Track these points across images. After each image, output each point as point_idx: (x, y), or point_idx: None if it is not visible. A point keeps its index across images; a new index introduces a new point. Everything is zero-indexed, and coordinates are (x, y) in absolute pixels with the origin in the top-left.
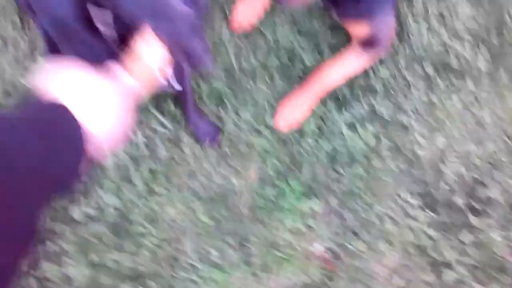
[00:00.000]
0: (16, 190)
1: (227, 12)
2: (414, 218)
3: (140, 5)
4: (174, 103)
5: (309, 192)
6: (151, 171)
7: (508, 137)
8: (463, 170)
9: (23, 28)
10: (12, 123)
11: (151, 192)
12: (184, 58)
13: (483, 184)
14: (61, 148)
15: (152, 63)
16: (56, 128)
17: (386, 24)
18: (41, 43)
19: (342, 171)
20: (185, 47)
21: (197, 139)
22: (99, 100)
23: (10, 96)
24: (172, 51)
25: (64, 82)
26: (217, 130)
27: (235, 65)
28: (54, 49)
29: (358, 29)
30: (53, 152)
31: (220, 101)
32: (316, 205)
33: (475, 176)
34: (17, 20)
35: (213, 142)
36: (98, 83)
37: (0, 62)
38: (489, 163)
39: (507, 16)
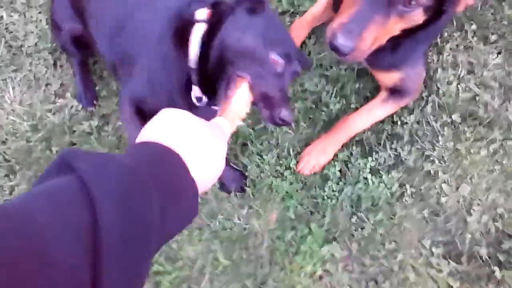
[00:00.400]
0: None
1: None
2: (437, 268)
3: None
4: None
5: (330, 237)
6: None
7: None
8: (488, 220)
9: (55, 69)
10: (142, 179)
11: None
12: (266, 111)
13: (509, 236)
14: (178, 207)
15: (243, 111)
16: (176, 185)
17: (416, 74)
18: (71, 83)
19: (364, 217)
20: (270, 100)
21: (222, 188)
22: (207, 147)
23: (38, 131)
24: (257, 101)
25: (174, 129)
26: (243, 176)
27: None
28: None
29: (389, 78)
30: (172, 212)
31: (244, 144)
32: (336, 250)
33: (501, 227)
34: (50, 59)
35: (238, 189)
36: (204, 130)
37: (31, 99)
38: None
39: None
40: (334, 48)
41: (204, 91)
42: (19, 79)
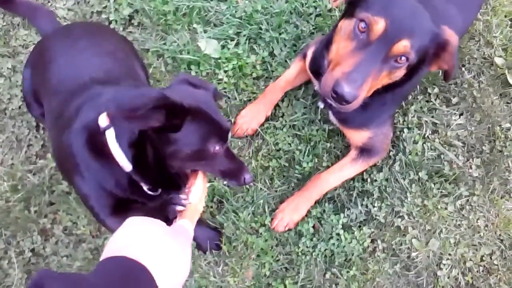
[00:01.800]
0: None
1: (232, 118)
2: None
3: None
4: None
5: None
6: None
7: (501, 241)
8: (458, 274)
9: (38, 130)
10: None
11: None
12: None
13: None
14: None
15: (200, 206)
16: None
17: (383, 134)
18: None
19: (338, 273)
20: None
21: (199, 247)
22: (173, 257)
23: (18, 191)
24: (221, 177)
25: (140, 242)
26: (218, 234)
27: None
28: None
29: (358, 136)
30: None
31: (220, 201)
32: None
33: (470, 280)
34: (33, 121)
35: (214, 247)
36: (168, 240)
37: (13, 159)
38: (484, 267)
39: (497, 127)
40: (338, 95)
41: (154, 184)
42: (2, 141)
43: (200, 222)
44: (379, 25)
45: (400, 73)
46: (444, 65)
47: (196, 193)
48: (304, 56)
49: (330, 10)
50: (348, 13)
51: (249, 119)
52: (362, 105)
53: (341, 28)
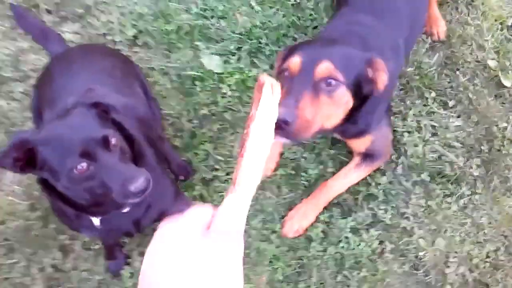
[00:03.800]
0: None
1: (238, 131)
2: None
3: None
4: None
5: None
6: None
7: (505, 237)
8: (465, 271)
9: None
10: None
11: None
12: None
13: (485, 285)
14: None
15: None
16: None
17: (383, 137)
18: None
19: (348, 275)
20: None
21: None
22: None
23: (36, 210)
24: None
25: (175, 274)
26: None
27: None
28: None
29: (359, 144)
30: None
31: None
32: None
33: (477, 276)
34: None
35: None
36: (211, 255)
37: (29, 179)
38: (489, 263)
39: (494, 127)
40: (280, 122)
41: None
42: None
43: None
44: (295, 60)
45: (345, 98)
46: (382, 77)
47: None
48: None
49: (326, 23)
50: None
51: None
52: (351, 121)
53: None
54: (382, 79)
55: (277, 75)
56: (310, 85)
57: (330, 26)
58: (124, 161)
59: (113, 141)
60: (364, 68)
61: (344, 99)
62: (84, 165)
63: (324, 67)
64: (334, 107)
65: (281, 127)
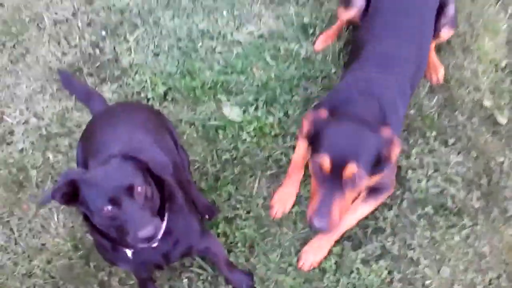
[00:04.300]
0: None
1: (257, 171)
2: None
3: None
4: None
5: None
6: None
7: (507, 265)
8: None
9: None
10: None
11: None
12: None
13: None
14: None
15: None
16: None
17: (390, 171)
18: None
19: None
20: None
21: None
22: None
23: (79, 250)
24: None
25: None
26: (250, 276)
27: (263, 214)
28: None
29: (346, 169)
30: None
31: (251, 246)
32: None
33: None
34: None
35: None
36: None
37: (73, 223)
38: None
39: (492, 162)
40: (314, 228)
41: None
42: (62, 208)
43: (233, 267)
44: (326, 161)
45: (364, 184)
46: (396, 151)
47: None
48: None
49: (335, 73)
50: (312, 153)
51: (283, 202)
52: None
53: (310, 166)
54: (395, 154)
55: (306, 136)
56: (338, 188)
57: (344, 84)
58: (145, 208)
59: (138, 189)
60: (381, 151)
61: (363, 184)
62: (109, 208)
63: (350, 170)
64: (355, 194)
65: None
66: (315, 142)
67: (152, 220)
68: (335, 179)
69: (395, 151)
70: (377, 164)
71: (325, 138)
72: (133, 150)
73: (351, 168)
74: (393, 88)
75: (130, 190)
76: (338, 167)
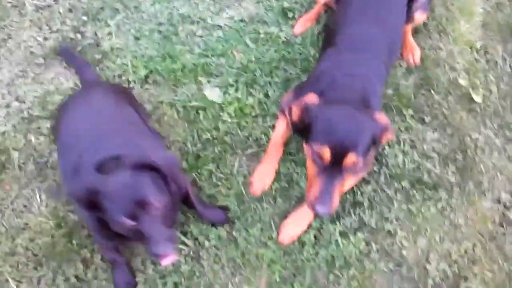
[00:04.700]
0: None
1: (238, 150)
2: None
3: None
4: (193, 225)
5: None
6: (175, 285)
7: (481, 235)
8: (445, 266)
9: None
10: None
11: None
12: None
13: (464, 278)
14: None
15: None
16: None
17: None
18: None
19: (339, 274)
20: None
21: (212, 223)
22: None
23: (61, 228)
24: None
25: None
26: (225, 211)
27: (243, 191)
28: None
29: (347, 159)
30: None
31: (232, 221)
32: None
33: (457, 271)
34: None
35: (225, 220)
36: None
37: (55, 203)
38: (468, 258)
39: (468, 138)
40: (317, 215)
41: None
42: (45, 187)
43: (207, 204)
44: (326, 152)
45: (361, 169)
46: (389, 136)
47: None
48: (284, 113)
49: (313, 55)
50: (306, 139)
51: (262, 179)
52: None
53: (306, 151)
54: (388, 137)
55: (297, 121)
56: (339, 174)
57: (324, 67)
58: (162, 221)
59: (155, 204)
60: (376, 136)
61: (362, 170)
62: (128, 221)
63: (351, 159)
64: (354, 178)
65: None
66: (309, 128)
67: (170, 238)
68: (334, 166)
69: (388, 137)
70: (370, 147)
71: (321, 127)
72: (138, 154)
73: (352, 157)
74: (370, 68)
75: (146, 205)
76: (337, 156)
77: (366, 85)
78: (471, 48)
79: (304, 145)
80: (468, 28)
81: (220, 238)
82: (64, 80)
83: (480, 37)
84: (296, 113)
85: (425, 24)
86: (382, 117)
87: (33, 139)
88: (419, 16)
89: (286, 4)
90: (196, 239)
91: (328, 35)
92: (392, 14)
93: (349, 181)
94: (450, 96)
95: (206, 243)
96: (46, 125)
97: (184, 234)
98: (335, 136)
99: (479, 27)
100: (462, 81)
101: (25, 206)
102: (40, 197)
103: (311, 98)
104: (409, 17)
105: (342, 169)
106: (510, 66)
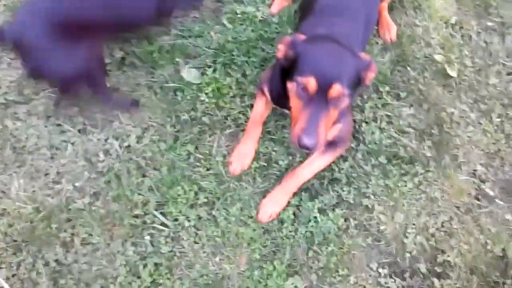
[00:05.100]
0: None
1: (216, 131)
2: (385, 286)
3: None
4: (173, 206)
5: (292, 271)
6: (156, 265)
7: (458, 208)
8: (422, 240)
9: (53, 161)
10: None
11: (156, 284)
12: None
13: (441, 251)
14: None
15: None
16: None
17: (348, 125)
18: (66, 170)
19: (318, 250)
20: None
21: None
22: None
23: (40, 212)
24: None
25: None
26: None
27: (223, 171)
28: None
29: (332, 90)
30: None
31: (213, 202)
32: (298, 282)
33: (434, 244)
34: (48, 154)
35: (134, 106)
36: None
37: (33, 187)
38: (444, 231)
39: (443, 113)
40: (303, 147)
41: None
42: (23, 173)
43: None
44: (311, 83)
45: (345, 103)
46: (371, 75)
47: None
48: (262, 91)
49: (290, 33)
50: (290, 76)
51: (241, 159)
52: None
53: (290, 89)
54: (370, 78)
55: (283, 58)
56: (324, 105)
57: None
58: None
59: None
60: (360, 73)
61: (346, 104)
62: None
63: (336, 90)
64: (337, 113)
65: (304, 148)
66: (294, 64)
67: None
68: (320, 98)
69: (371, 75)
70: (354, 86)
71: (307, 59)
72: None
73: (337, 88)
74: (350, 30)
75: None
76: (323, 87)
77: (346, 43)
78: (446, 23)
79: (288, 84)
80: (443, 4)
81: (200, 218)
82: None
83: (455, 13)
84: (282, 50)
85: (400, 0)
86: (365, 56)
87: (9, 124)
88: None
89: None
90: (175, 219)
91: (305, 8)
92: None
93: (334, 115)
94: (425, 71)
95: (186, 223)
96: (22, 110)
97: (164, 214)
98: (320, 66)
99: (453, 3)
100: (437, 57)
101: (3, 191)
102: (18, 182)
103: (299, 36)
104: None
105: (328, 101)
106: (484, 40)
